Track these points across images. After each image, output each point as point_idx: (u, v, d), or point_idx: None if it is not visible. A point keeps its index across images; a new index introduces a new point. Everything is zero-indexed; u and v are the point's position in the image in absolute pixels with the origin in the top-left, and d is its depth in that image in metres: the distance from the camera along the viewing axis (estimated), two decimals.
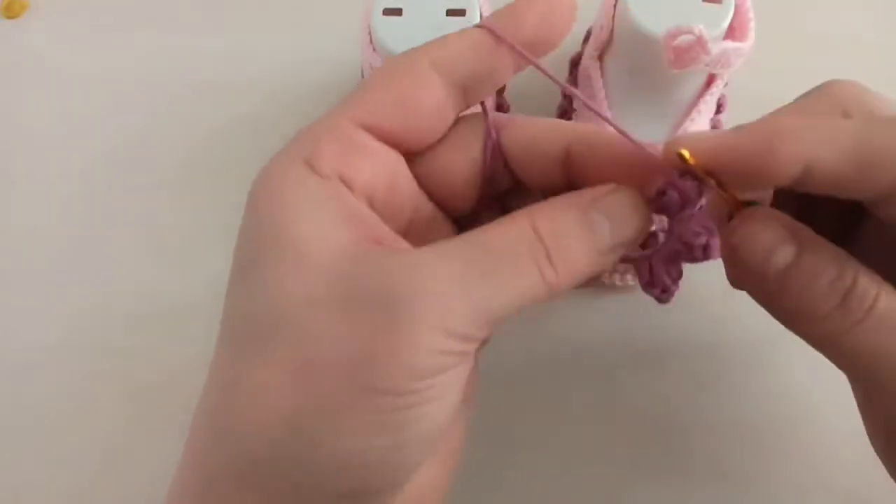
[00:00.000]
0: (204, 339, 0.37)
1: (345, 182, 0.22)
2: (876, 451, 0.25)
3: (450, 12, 0.34)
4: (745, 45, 0.35)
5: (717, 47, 0.33)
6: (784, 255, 0.22)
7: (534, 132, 0.24)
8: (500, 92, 0.40)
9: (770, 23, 0.36)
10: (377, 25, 0.34)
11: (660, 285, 0.24)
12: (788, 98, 0.26)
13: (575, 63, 0.41)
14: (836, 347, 0.23)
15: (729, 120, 0.39)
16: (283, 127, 0.43)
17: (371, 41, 0.35)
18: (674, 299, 0.24)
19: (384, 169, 0.23)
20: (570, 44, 0.42)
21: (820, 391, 0.36)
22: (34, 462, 0.36)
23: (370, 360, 0.19)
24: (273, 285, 0.20)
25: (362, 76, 0.41)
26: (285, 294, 0.20)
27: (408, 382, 0.19)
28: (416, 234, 0.24)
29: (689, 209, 0.22)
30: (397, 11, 0.34)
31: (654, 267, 0.24)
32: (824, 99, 0.25)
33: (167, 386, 0.37)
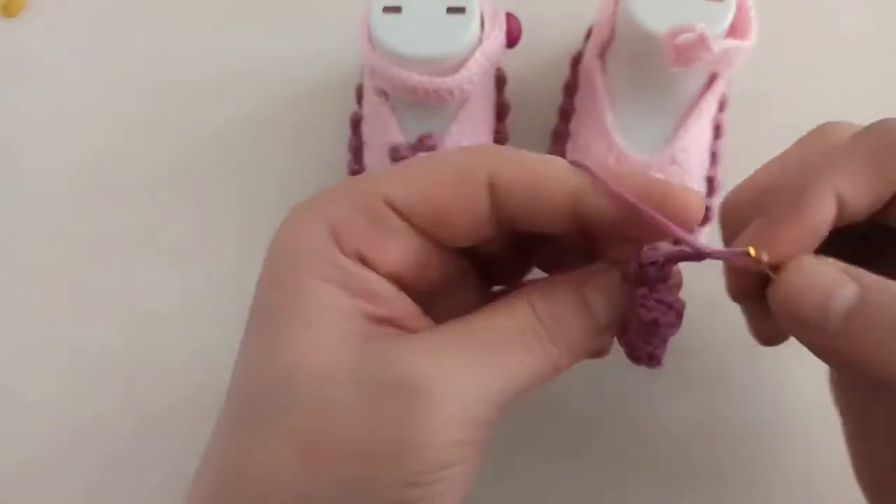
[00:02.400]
0: (202, 339, 0.37)
1: (366, 260, 0.21)
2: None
3: (450, 10, 0.34)
4: (747, 44, 0.35)
5: (718, 46, 0.33)
6: (844, 297, 0.20)
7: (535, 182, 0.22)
8: (501, 91, 0.40)
9: (772, 21, 0.36)
10: (377, 23, 0.34)
11: (644, 357, 0.24)
12: (789, 97, 0.26)
13: (576, 61, 0.41)
14: None
15: (730, 119, 0.39)
16: (283, 126, 0.43)
17: (370, 39, 0.35)
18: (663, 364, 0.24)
19: (410, 251, 0.22)
20: (571, 42, 0.42)
21: (819, 392, 0.35)
22: (34, 461, 0.36)
23: (389, 450, 0.19)
24: (288, 352, 0.20)
25: (362, 74, 0.40)
26: (299, 367, 0.20)
27: (427, 475, 0.19)
28: (442, 292, 0.23)
29: (656, 283, 0.23)
30: (397, 9, 0.34)
31: (633, 342, 0.24)
32: (821, 142, 0.25)
33: (166, 386, 0.37)
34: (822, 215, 0.22)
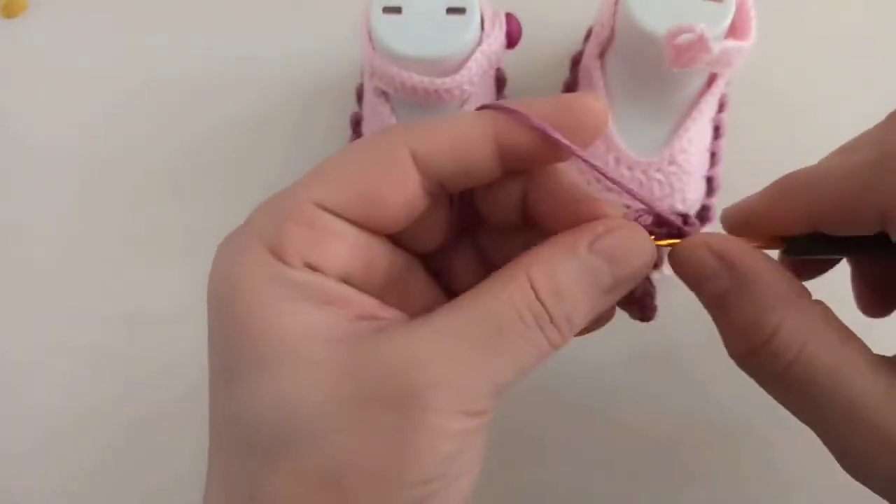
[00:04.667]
0: (195, 340, 0.37)
1: (315, 268, 0.20)
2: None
3: (450, 10, 0.34)
4: (747, 44, 0.35)
5: (718, 46, 0.33)
6: (716, 285, 0.22)
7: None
8: (501, 91, 0.40)
9: (771, 22, 0.36)
10: (377, 23, 0.34)
11: (637, 305, 0.24)
12: (789, 97, 0.26)
13: (576, 62, 0.41)
14: (765, 384, 0.23)
15: (730, 119, 0.39)
16: (283, 126, 0.43)
17: (370, 39, 0.35)
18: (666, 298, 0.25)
19: (356, 250, 0.21)
20: (571, 42, 0.42)
21: None
22: (34, 461, 0.36)
23: (397, 459, 0.19)
24: (274, 392, 0.19)
25: (362, 74, 0.40)
26: (290, 401, 0.19)
27: (437, 469, 0.19)
28: (393, 288, 0.23)
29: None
30: (397, 10, 0.34)
31: (646, 298, 0.24)
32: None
33: (163, 385, 0.37)
34: (788, 230, 0.23)
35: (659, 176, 0.36)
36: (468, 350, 0.20)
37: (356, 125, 0.40)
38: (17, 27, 0.46)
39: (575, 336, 0.22)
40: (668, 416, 0.36)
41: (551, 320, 0.20)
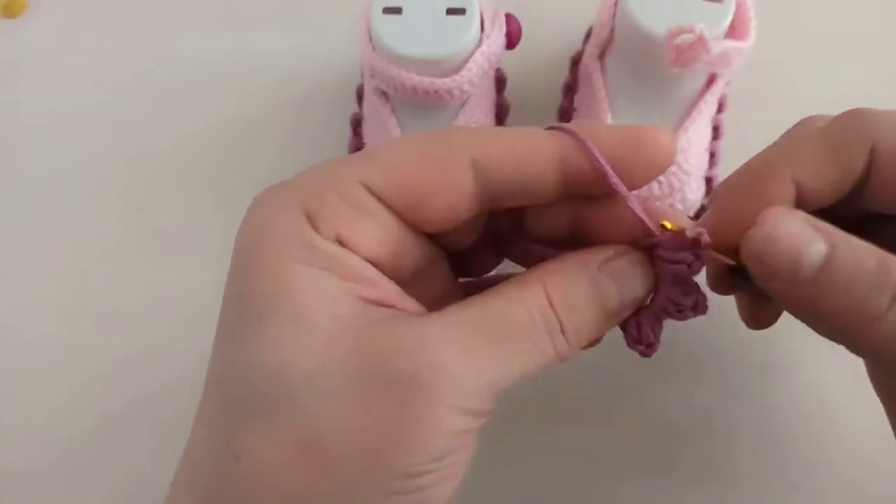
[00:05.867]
0: (201, 341, 0.37)
1: (346, 243, 0.20)
2: None
3: (450, 11, 0.34)
4: (746, 45, 0.35)
5: (717, 47, 0.33)
6: (817, 250, 0.20)
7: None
8: (501, 91, 0.40)
9: (771, 22, 0.36)
10: (377, 24, 0.34)
11: (645, 342, 0.24)
12: (789, 97, 0.26)
13: (576, 62, 0.41)
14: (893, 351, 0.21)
15: (730, 120, 0.39)
16: (283, 127, 0.43)
17: (370, 40, 0.35)
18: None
19: (389, 236, 0.21)
20: (571, 42, 0.42)
21: (820, 392, 0.36)
22: (34, 462, 0.36)
23: (388, 443, 0.18)
24: (276, 351, 0.19)
25: (362, 75, 0.40)
26: (290, 362, 0.19)
27: (426, 464, 0.19)
28: (417, 278, 0.23)
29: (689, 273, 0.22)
30: (397, 10, 0.34)
31: (642, 326, 0.24)
32: (797, 134, 0.26)
33: (165, 388, 0.37)
34: (776, 199, 0.23)
35: (659, 176, 0.36)
36: (475, 345, 0.19)
37: (356, 125, 0.40)
38: (18, 27, 0.46)
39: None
40: (668, 416, 0.36)
41: (562, 331, 0.21)
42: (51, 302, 0.39)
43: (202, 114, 0.43)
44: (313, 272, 0.19)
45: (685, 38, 0.33)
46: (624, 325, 0.24)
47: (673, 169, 0.36)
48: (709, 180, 0.38)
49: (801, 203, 0.23)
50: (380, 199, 0.21)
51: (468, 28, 0.34)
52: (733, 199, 0.24)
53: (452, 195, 0.21)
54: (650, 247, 0.22)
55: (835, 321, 0.21)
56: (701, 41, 0.32)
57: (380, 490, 0.19)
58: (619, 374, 0.37)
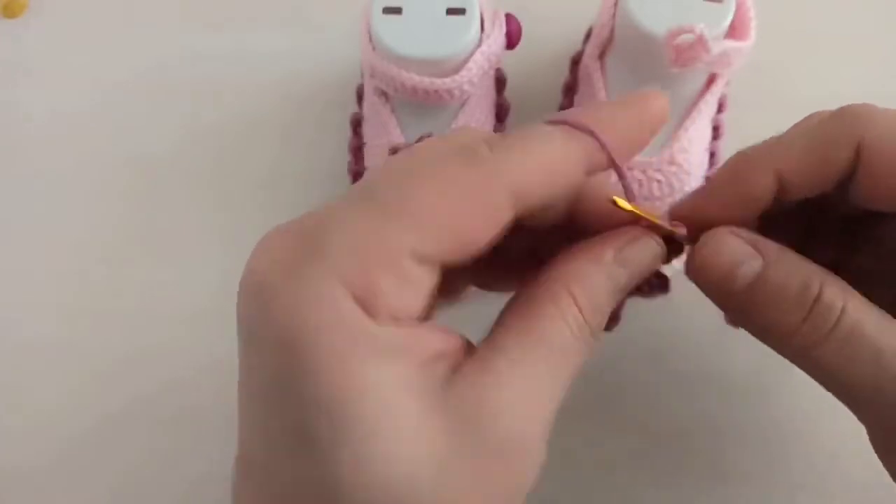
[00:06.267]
0: (201, 341, 0.37)
1: (398, 318, 0.19)
2: (878, 455, 0.25)
3: (450, 11, 0.34)
4: (746, 45, 0.35)
5: (717, 47, 0.33)
6: (749, 268, 0.22)
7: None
8: (501, 91, 0.40)
9: (771, 22, 0.36)
10: (377, 24, 0.34)
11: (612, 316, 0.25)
12: (789, 97, 0.26)
13: (576, 62, 0.41)
14: (809, 362, 0.23)
15: (730, 120, 0.39)
16: (283, 127, 0.43)
17: (370, 40, 0.35)
18: (669, 296, 0.26)
19: (431, 290, 0.20)
20: (571, 42, 0.42)
21: (821, 391, 0.36)
22: (34, 462, 0.36)
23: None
24: (378, 454, 0.17)
25: (362, 75, 0.40)
26: (401, 461, 0.18)
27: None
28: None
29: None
30: (397, 10, 0.34)
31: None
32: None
33: (165, 388, 0.37)
34: (755, 189, 0.23)
35: (658, 176, 0.36)
36: (541, 387, 0.20)
37: (356, 125, 0.40)
38: (17, 27, 0.46)
39: None
40: (669, 415, 0.36)
41: (591, 333, 0.21)
42: (51, 302, 0.39)
43: (202, 114, 0.43)
44: (379, 361, 0.18)
45: (685, 38, 0.33)
46: None
47: (673, 169, 0.36)
48: (709, 180, 0.38)
49: (782, 194, 0.23)
50: (429, 262, 0.19)
51: (468, 28, 0.34)
52: (714, 186, 0.25)
53: (494, 230, 0.20)
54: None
55: (765, 333, 0.23)
56: (701, 41, 0.32)
57: None
58: (624, 377, 0.37)
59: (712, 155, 0.39)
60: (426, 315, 0.20)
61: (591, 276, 0.22)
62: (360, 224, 0.19)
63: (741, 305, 0.23)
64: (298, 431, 0.18)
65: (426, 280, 0.19)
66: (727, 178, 0.24)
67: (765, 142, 0.24)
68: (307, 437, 0.18)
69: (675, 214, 0.25)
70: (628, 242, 0.22)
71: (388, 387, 0.18)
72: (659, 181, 0.36)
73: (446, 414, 0.18)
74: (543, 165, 0.21)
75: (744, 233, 0.23)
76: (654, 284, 0.25)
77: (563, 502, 0.35)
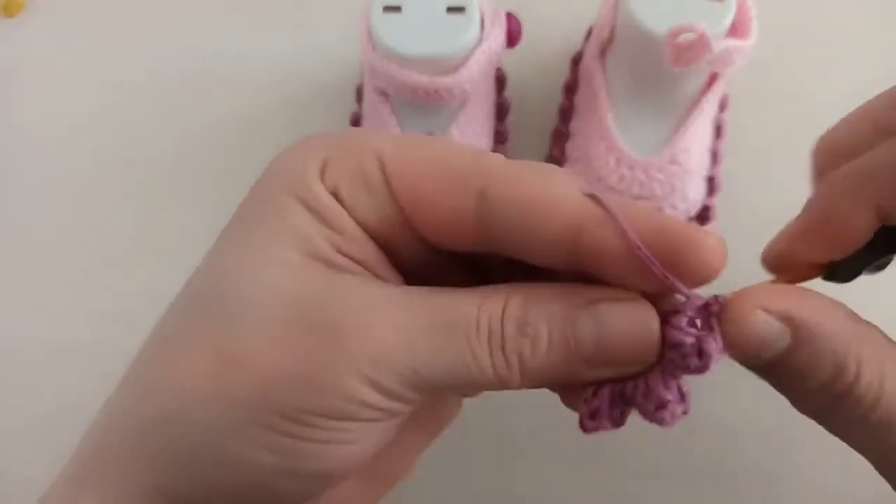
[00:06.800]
0: None
1: (341, 201, 0.20)
2: None
3: (450, 10, 0.34)
4: (748, 44, 0.35)
5: (719, 46, 0.33)
6: (778, 346, 0.20)
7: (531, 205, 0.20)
8: (501, 91, 0.40)
9: (772, 21, 0.36)
10: (377, 23, 0.34)
11: (611, 418, 0.21)
12: (789, 97, 0.26)
13: (576, 61, 0.41)
14: (838, 434, 0.22)
15: (731, 119, 0.39)
16: (283, 126, 0.43)
17: (370, 39, 0.35)
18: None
19: (386, 218, 0.20)
20: (571, 42, 0.42)
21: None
22: (34, 462, 0.36)
23: (284, 381, 0.19)
24: (238, 263, 0.20)
25: (362, 74, 0.40)
26: (241, 278, 0.20)
27: (314, 417, 0.19)
28: (423, 276, 0.22)
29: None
30: (397, 9, 0.34)
31: (652, 385, 0.21)
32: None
33: None
34: (855, 230, 0.22)
35: (660, 175, 0.36)
36: (414, 325, 0.19)
37: (356, 125, 0.40)
38: (17, 27, 0.46)
39: (542, 388, 0.20)
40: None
41: (502, 347, 0.19)
42: (51, 302, 0.39)
43: (202, 114, 0.43)
44: (300, 209, 0.20)
45: (686, 37, 0.33)
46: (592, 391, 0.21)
47: (674, 168, 0.36)
48: (710, 179, 0.38)
49: (882, 221, 0.22)
50: (388, 181, 0.20)
51: (468, 27, 0.34)
52: (808, 227, 0.23)
53: (449, 213, 0.20)
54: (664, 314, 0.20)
55: (793, 402, 0.22)
56: (702, 40, 0.32)
57: (262, 422, 0.19)
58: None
59: (714, 154, 0.39)
60: (396, 257, 0.21)
61: (544, 299, 0.19)
62: (356, 130, 0.22)
63: (768, 378, 0.21)
64: (237, 223, 0.22)
65: (382, 194, 0.21)
66: (821, 217, 0.23)
67: (852, 170, 0.23)
68: (226, 228, 0.23)
69: (767, 260, 0.24)
70: (615, 299, 0.19)
71: (289, 223, 0.20)
72: (660, 180, 0.36)
73: (309, 276, 0.20)
74: (524, 190, 0.19)
75: (774, 303, 0.20)
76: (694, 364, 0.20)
77: None
